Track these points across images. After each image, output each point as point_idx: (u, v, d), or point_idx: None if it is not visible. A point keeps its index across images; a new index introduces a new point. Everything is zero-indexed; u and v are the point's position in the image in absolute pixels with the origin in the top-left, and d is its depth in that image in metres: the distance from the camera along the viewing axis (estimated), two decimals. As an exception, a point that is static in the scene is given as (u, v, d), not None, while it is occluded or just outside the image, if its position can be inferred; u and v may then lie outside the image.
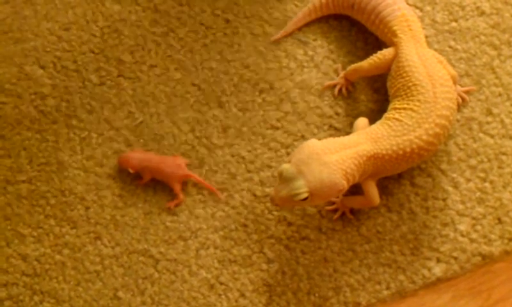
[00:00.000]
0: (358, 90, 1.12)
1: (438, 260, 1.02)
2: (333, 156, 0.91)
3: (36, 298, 1.08)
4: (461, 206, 1.04)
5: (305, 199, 0.90)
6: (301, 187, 0.89)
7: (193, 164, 1.11)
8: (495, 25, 1.12)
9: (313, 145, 0.93)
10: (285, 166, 0.91)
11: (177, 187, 1.08)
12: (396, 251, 1.03)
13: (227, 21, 1.18)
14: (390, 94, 1.03)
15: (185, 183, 1.09)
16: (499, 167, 1.05)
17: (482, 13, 1.13)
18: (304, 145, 0.93)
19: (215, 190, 1.08)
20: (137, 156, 1.09)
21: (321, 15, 1.15)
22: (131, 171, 1.09)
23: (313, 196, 0.90)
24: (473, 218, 1.03)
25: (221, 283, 1.05)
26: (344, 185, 0.91)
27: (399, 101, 0.99)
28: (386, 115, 0.99)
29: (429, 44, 1.10)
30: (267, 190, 1.08)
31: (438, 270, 1.01)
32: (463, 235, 1.02)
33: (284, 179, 0.91)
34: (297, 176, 0.90)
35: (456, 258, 1.02)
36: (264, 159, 1.10)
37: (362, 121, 1.03)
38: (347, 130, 1.08)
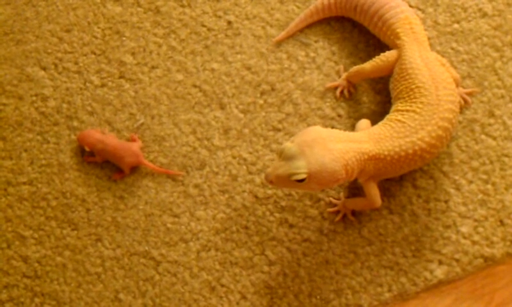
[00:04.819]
0: (360, 92, 1.12)
1: (440, 262, 1.02)
2: (337, 144, 0.91)
3: (36, 300, 1.08)
4: (463, 208, 1.04)
5: (302, 180, 0.89)
6: (301, 167, 0.88)
7: (194, 165, 1.11)
8: (498, 26, 1.12)
9: (319, 130, 0.92)
10: (288, 144, 0.90)
11: (127, 171, 1.10)
12: (398, 253, 1.03)
13: (229, 22, 1.18)
14: (392, 97, 1.02)
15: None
16: (501, 169, 1.05)
17: (485, 15, 1.13)
18: (310, 129, 0.93)
19: (173, 172, 1.10)
20: (96, 136, 1.11)
21: (323, 17, 1.15)
22: (86, 149, 1.11)
23: (311, 178, 0.89)
24: (476, 220, 1.03)
25: (222, 285, 1.05)
26: (343, 175, 0.90)
27: (401, 103, 0.99)
28: (388, 117, 0.99)
29: (431, 46, 1.09)
30: (269, 192, 1.08)
31: (439, 272, 1.01)
32: (465, 237, 1.02)
33: (284, 157, 0.90)
34: (298, 156, 0.89)
35: (457, 261, 1.01)
36: (265, 161, 1.10)
37: (364, 123, 1.03)
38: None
